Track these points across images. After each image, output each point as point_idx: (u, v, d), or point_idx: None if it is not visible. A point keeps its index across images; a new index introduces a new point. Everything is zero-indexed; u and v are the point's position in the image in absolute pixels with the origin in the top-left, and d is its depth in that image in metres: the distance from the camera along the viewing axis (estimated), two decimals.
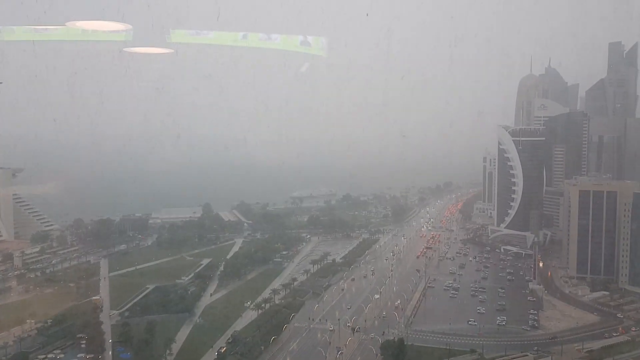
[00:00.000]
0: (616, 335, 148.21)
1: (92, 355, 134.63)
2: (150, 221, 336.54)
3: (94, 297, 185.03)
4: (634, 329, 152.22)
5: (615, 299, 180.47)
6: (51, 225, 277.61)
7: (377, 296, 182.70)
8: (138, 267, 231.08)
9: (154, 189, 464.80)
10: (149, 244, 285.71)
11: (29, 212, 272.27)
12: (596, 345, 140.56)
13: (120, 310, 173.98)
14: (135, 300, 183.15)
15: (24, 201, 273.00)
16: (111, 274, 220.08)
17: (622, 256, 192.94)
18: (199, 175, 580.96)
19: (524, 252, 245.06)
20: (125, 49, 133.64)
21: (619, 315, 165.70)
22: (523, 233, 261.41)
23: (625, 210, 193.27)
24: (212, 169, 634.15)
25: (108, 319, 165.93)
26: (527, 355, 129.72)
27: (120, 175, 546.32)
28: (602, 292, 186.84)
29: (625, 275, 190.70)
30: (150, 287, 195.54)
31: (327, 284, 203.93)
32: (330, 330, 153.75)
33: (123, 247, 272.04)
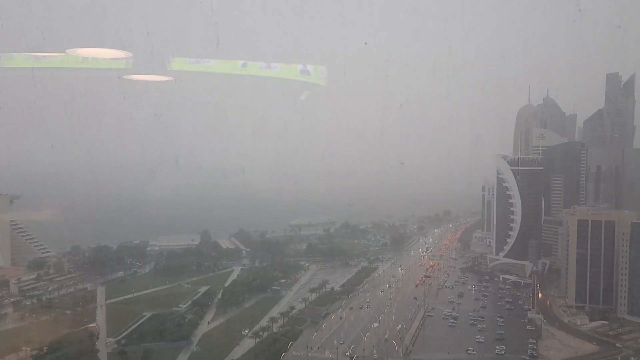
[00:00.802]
0: None
1: None
2: (148, 248, 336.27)
3: (90, 325, 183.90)
4: (633, 359, 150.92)
5: (614, 329, 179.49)
6: (48, 252, 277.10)
7: (375, 325, 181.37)
8: (135, 294, 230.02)
9: (152, 216, 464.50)
10: (147, 271, 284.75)
11: (25, 239, 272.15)
12: None
13: (117, 338, 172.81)
14: (132, 327, 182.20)
15: (21, 228, 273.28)
16: (108, 302, 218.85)
17: (621, 286, 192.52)
18: (197, 203, 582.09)
19: (522, 281, 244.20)
20: (124, 77, 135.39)
21: (617, 344, 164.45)
22: (522, 262, 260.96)
23: (623, 239, 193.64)
24: (211, 197, 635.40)
25: (104, 347, 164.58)
26: None
27: (118, 203, 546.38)
28: (601, 321, 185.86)
29: (624, 304, 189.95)
30: (147, 314, 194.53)
31: (325, 312, 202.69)
32: (329, 359, 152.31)
33: (120, 274, 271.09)
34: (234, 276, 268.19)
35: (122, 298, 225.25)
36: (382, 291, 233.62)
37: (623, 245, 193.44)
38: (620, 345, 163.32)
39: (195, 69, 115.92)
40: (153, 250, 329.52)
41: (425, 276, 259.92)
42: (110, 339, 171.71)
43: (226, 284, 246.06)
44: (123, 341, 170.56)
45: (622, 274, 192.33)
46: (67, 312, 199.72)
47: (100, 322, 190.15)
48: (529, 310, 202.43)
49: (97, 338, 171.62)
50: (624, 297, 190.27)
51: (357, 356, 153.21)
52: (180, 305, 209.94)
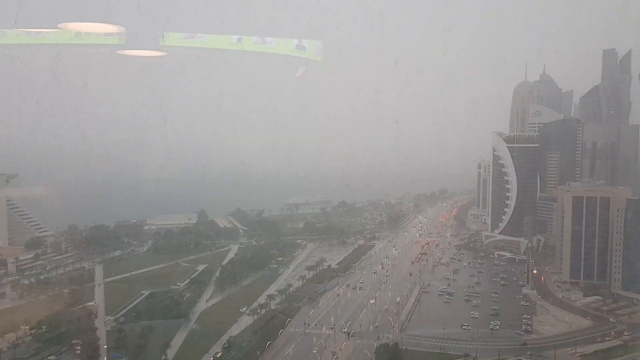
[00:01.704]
0: (609, 340, 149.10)
1: None
2: (145, 227, 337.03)
3: (88, 303, 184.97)
4: (626, 333, 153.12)
5: (608, 304, 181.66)
6: (45, 231, 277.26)
7: (372, 301, 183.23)
8: (133, 273, 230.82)
9: (149, 195, 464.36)
10: (144, 250, 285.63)
11: (22, 218, 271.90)
12: (589, 349, 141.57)
13: (116, 316, 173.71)
14: (130, 306, 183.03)
15: (17, 207, 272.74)
16: (106, 280, 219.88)
17: (615, 261, 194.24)
18: (194, 182, 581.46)
19: (517, 258, 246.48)
20: (118, 52, 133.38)
21: (611, 319, 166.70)
22: (517, 239, 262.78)
23: (618, 216, 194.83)
24: (207, 176, 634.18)
25: (103, 325, 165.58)
26: (520, 359, 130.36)
27: (115, 182, 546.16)
28: (595, 296, 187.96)
29: (618, 280, 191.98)
30: (146, 293, 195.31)
31: (322, 289, 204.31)
32: (326, 335, 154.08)
33: (118, 253, 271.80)
34: (231, 254, 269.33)
35: (120, 276, 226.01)
36: (378, 269, 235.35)
37: (618, 222, 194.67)
38: (614, 320, 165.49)
39: (190, 44, 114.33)
40: (150, 229, 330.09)
41: (421, 253, 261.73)
42: (109, 317, 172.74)
43: (224, 262, 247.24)
44: (122, 319, 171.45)
45: (616, 250, 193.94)
46: (65, 290, 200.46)
47: (98, 300, 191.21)
48: (524, 286, 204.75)
49: (96, 316, 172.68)
50: (618, 273, 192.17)
51: (354, 332, 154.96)
52: (178, 284, 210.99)
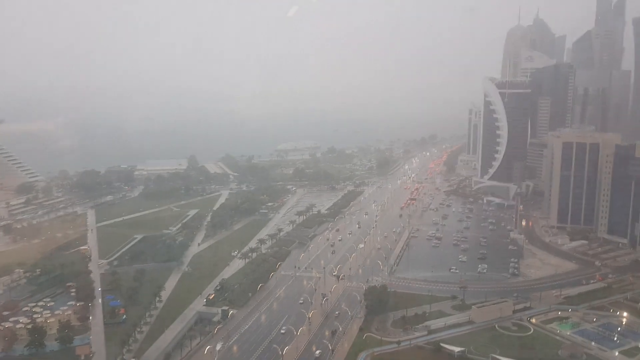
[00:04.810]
0: (593, 282, 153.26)
1: (82, 303, 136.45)
2: (136, 173, 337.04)
3: (82, 247, 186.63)
4: (610, 276, 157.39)
5: (594, 248, 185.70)
6: (36, 176, 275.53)
7: (361, 245, 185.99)
8: (125, 217, 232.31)
9: (139, 140, 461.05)
10: (136, 195, 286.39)
11: (12, 163, 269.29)
12: (574, 291, 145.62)
13: (109, 260, 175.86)
14: (123, 249, 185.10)
15: (6, 152, 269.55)
16: (98, 225, 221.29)
17: (602, 207, 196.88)
18: (184, 127, 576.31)
19: (506, 203, 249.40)
20: None
21: (596, 263, 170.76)
22: (506, 184, 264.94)
23: (606, 162, 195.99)
24: (197, 121, 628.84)
25: (97, 268, 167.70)
26: (506, 301, 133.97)
27: (105, 127, 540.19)
28: (581, 241, 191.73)
29: (604, 225, 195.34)
30: (138, 237, 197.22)
31: (312, 234, 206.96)
32: (316, 278, 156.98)
33: (109, 198, 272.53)
34: (222, 200, 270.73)
35: (112, 221, 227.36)
36: (367, 214, 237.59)
37: (606, 168, 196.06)
38: (599, 264, 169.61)
39: None
40: (141, 175, 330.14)
41: (410, 199, 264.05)
42: (102, 261, 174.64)
43: (215, 207, 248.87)
44: (115, 262, 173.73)
45: (603, 195, 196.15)
46: (58, 235, 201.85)
47: (91, 244, 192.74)
48: (512, 230, 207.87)
49: (89, 260, 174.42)
50: (605, 218, 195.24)
51: (344, 275, 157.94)
52: (170, 228, 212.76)
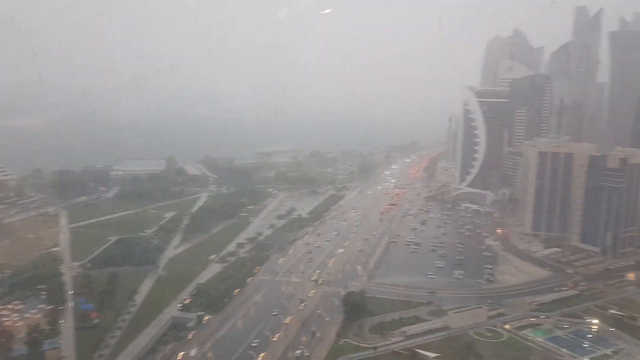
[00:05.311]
0: (565, 290, 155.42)
1: (53, 306, 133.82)
2: (112, 173, 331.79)
3: (54, 249, 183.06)
4: (582, 284, 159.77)
5: (567, 256, 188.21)
6: (8, 174, 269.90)
7: (341, 250, 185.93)
8: (100, 219, 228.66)
9: (116, 140, 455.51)
10: (111, 196, 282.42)
11: None
12: (547, 298, 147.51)
13: (82, 262, 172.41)
14: (97, 252, 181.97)
15: None
16: (72, 226, 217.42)
17: (575, 215, 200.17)
18: (165, 127, 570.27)
19: (483, 210, 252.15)
20: None
21: (569, 270, 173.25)
22: (483, 191, 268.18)
23: (580, 172, 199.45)
24: (177, 121, 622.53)
25: (69, 271, 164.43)
26: (481, 307, 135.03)
27: (83, 125, 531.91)
28: (555, 248, 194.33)
29: (577, 233, 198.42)
30: (113, 239, 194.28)
31: (292, 238, 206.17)
32: (295, 283, 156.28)
33: (84, 198, 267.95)
34: (200, 202, 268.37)
35: (86, 222, 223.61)
36: (348, 219, 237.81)
37: (580, 177, 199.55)
38: (572, 271, 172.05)
39: None
40: (117, 175, 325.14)
41: (391, 204, 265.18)
42: (75, 263, 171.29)
43: (193, 210, 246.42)
44: (88, 265, 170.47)
45: (577, 204, 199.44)
46: (30, 235, 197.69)
47: (64, 246, 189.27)
48: (488, 237, 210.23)
49: (62, 262, 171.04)
50: (578, 226, 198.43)
51: (323, 280, 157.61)
52: (146, 230, 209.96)
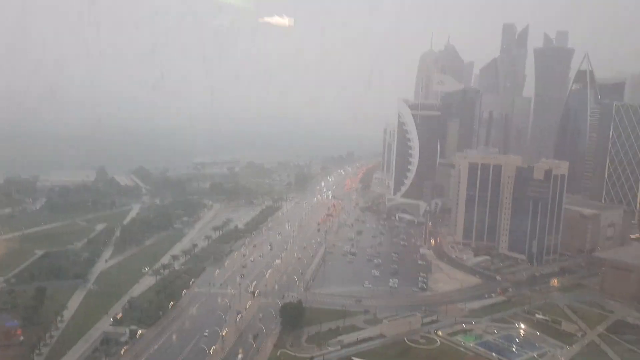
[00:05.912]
0: (495, 296, 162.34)
1: None
2: (39, 184, 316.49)
3: None
4: (510, 290, 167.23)
5: (496, 263, 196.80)
6: None
7: (278, 261, 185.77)
8: (26, 231, 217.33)
9: (42, 149, 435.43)
10: (37, 207, 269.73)
11: None
12: (477, 305, 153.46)
13: (6, 277, 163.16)
14: (22, 266, 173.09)
15: None
16: None
17: (503, 224, 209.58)
18: (93, 137, 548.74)
19: (416, 220, 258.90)
20: None
21: (498, 277, 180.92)
22: (417, 202, 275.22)
23: (508, 182, 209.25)
24: (107, 130, 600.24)
25: None
26: (415, 315, 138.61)
27: (3, 133, 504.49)
28: (485, 256, 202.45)
29: (505, 242, 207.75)
30: (40, 252, 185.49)
31: (229, 250, 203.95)
32: (231, 295, 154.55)
33: (8, 210, 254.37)
34: (133, 214, 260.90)
35: (10, 235, 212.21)
36: (284, 230, 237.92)
37: (507, 188, 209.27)
38: (500, 278, 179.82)
39: None
40: (44, 186, 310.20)
41: (327, 215, 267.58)
42: None
43: (125, 222, 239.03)
44: (12, 280, 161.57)
45: (505, 214, 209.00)
46: None
47: None
48: (421, 246, 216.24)
49: None
50: (506, 235, 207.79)
51: (259, 291, 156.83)
52: (75, 243, 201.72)
